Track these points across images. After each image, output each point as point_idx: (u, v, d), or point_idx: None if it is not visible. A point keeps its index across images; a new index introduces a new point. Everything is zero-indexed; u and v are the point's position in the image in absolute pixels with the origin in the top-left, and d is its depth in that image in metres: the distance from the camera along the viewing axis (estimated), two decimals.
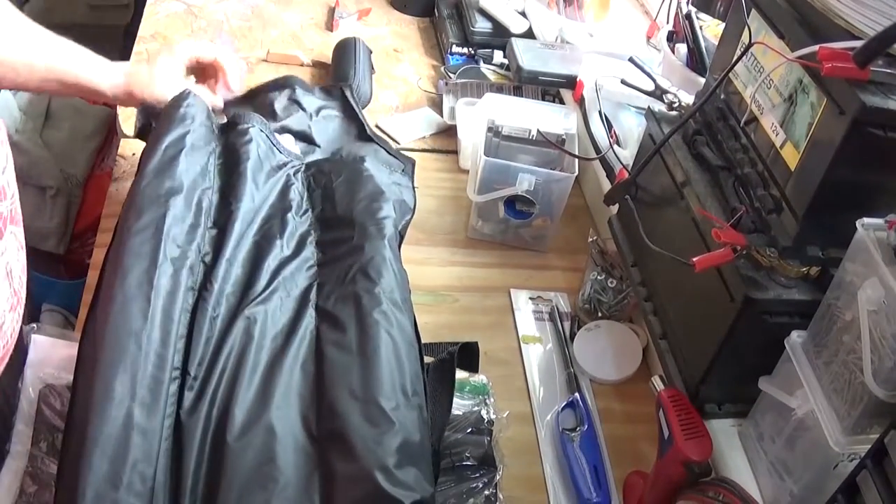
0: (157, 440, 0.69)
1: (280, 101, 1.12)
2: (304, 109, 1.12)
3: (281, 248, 0.89)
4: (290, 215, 0.93)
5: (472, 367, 0.94)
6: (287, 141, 1.07)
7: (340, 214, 0.95)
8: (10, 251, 0.69)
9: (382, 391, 0.75)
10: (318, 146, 1.10)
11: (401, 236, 0.97)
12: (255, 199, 0.92)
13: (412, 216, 1.02)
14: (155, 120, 0.97)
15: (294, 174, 1.00)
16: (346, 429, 0.73)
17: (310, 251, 0.91)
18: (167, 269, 0.78)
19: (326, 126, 1.13)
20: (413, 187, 1.07)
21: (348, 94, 1.19)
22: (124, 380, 0.69)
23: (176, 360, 0.74)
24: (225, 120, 1.02)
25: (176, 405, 0.72)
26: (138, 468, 0.66)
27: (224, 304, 0.81)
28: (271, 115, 1.11)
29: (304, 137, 1.10)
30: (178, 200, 0.85)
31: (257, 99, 1.14)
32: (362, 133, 1.15)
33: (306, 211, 0.96)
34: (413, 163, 1.11)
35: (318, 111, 1.14)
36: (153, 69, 1.00)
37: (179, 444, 0.71)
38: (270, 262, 0.87)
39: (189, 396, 0.73)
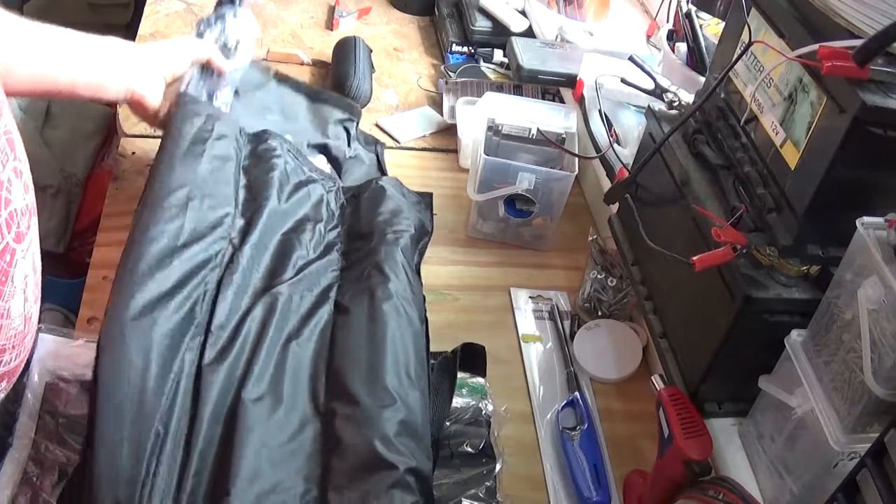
0: (169, 383, 0.74)
1: (335, 123, 1.20)
2: (348, 142, 1.19)
3: (308, 251, 0.95)
4: (319, 226, 0.99)
5: (480, 371, 0.94)
6: (319, 161, 1.12)
7: (364, 228, 1.02)
8: (35, 243, 0.70)
9: (387, 372, 0.81)
10: (340, 179, 1.15)
11: (420, 255, 1.03)
12: (281, 204, 0.97)
13: (429, 239, 1.07)
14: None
15: (328, 192, 1.05)
16: (352, 403, 0.79)
17: (335, 256, 0.98)
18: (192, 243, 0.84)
19: (353, 168, 1.19)
20: (432, 214, 1.12)
21: (380, 151, 1.26)
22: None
23: (199, 316, 0.81)
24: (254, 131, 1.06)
25: (198, 359, 0.78)
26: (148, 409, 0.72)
27: (251, 285, 0.87)
28: (322, 123, 1.18)
29: (335, 164, 1.16)
30: (202, 191, 0.89)
31: (323, 103, 1.22)
32: None
33: (336, 226, 1.02)
34: (431, 195, 1.17)
35: (354, 150, 1.20)
36: (158, 84, 0.98)
37: (198, 394, 0.76)
38: (297, 259, 0.93)
39: (210, 353, 0.79)
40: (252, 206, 0.94)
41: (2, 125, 0.62)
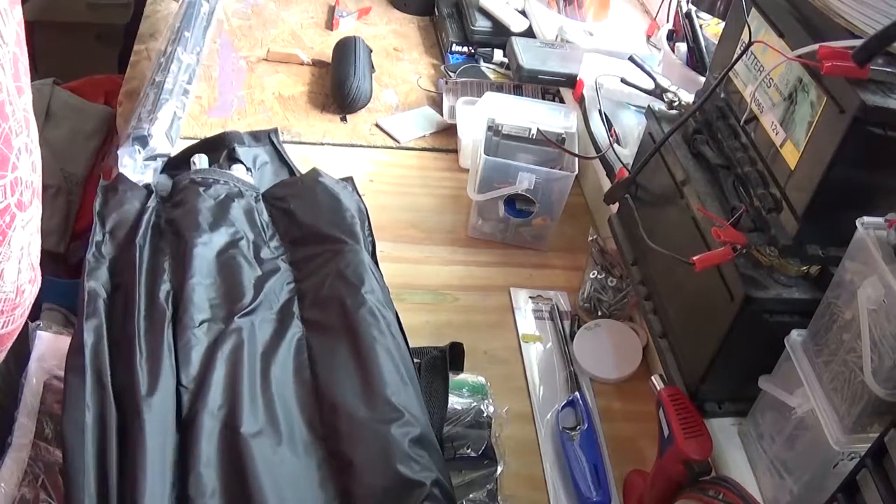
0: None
1: (221, 162, 1.14)
2: (243, 163, 1.14)
3: (256, 268, 0.93)
4: (260, 241, 0.97)
5: (458, 367, 0.94)
6: (239, 171, 1.09)
7: (307, 232, 0.99)
8: (34, 224, 0.71)
9: (384, 383, 0.79)
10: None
11: (372, 244, 1.01)
12: (212, 230, 0.94)
13: (369, 221, 1.04)
14: None
15: (255, 202, 1.03)
16: (354, 423, 0.77)
17: (285, 269, 0.95)
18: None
19: (261, 175, 1.15)
20: (359, 195, 1.09)
21: (274, 139, 1.21)
22: None
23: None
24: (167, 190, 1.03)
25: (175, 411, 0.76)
26: None
27: (207, 316, 0.85)
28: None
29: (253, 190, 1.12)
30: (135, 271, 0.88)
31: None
32: (292, 175, 1.17)
33: (273, 235, 1.00)
34: (351, 178, 1.13)
35: (254, 162, 1.16)
36: None
37: (185, 442, 0.74)
38: (250, 279, 0.90)
39: (186, 402, 0.77)
40: (181, 246, 0.91)
41: (22, 103, 0.64)
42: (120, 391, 0.77)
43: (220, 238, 0.94)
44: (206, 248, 0.91)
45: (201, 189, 0.99)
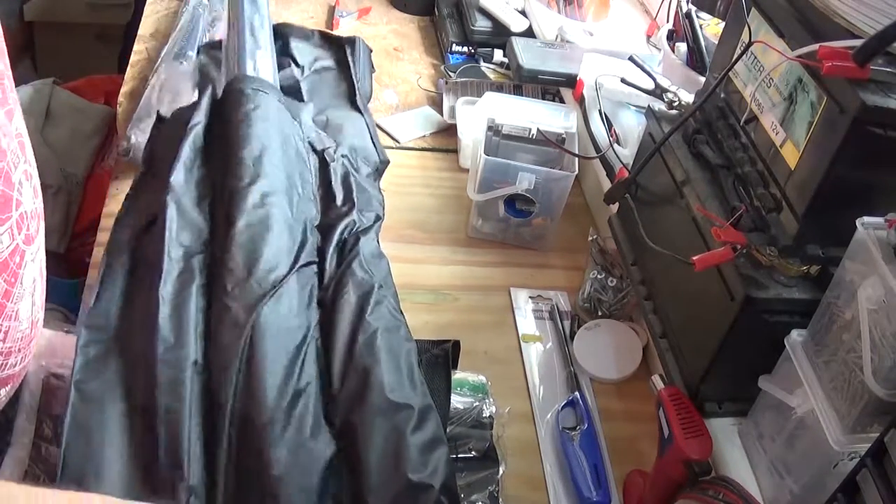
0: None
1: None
2: (296, 63, 1.06)
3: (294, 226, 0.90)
4: (306, 198, 0.95)
5: (453, 365, 0.93)
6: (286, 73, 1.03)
7: (339, 212, 0.98)
8: (41, 250, 0.70)
9: (391, 382, 0.79)
10: (304, 101, 1.06)
11: (376, 233, 1.01)
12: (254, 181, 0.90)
13: (382, 221, 1.04)
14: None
15: (315, 153, 0.99)
16: (366, 423, 0.76)
17: (312, 242, 0.92)
18: (173, 272, 0.81)
19: (317, 80, 1.07)
20: (381, 192, 1.09)
21: (349, 50, 1.13)
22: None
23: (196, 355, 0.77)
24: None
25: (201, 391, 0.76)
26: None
27: (239, 281, 0.82)
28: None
29: (293, 93, 1.06)
30: (176, 202, 0.87)
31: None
32: (352, 97, 1.11)
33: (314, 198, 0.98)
34: (387, 162, 1.12)
35: (311, 63, 1.08)
36: None
37: (210, 425, 0.74)
38: (282, 249, 0.87)
39: (208, 381, 0.76)
40: (227, 190, 0.89)
41: (14, 128, 0.63)
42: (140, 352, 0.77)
43: (279, 187, 0.90)
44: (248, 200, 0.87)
45: (269, 110, 0.93)
